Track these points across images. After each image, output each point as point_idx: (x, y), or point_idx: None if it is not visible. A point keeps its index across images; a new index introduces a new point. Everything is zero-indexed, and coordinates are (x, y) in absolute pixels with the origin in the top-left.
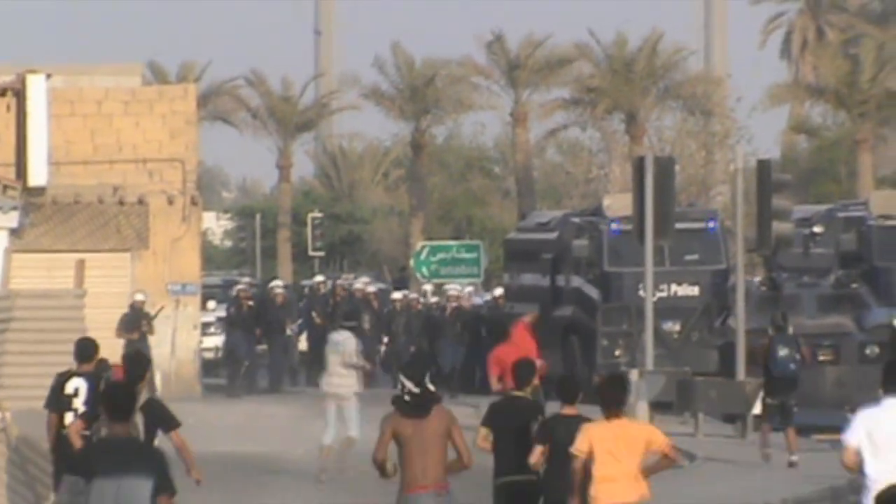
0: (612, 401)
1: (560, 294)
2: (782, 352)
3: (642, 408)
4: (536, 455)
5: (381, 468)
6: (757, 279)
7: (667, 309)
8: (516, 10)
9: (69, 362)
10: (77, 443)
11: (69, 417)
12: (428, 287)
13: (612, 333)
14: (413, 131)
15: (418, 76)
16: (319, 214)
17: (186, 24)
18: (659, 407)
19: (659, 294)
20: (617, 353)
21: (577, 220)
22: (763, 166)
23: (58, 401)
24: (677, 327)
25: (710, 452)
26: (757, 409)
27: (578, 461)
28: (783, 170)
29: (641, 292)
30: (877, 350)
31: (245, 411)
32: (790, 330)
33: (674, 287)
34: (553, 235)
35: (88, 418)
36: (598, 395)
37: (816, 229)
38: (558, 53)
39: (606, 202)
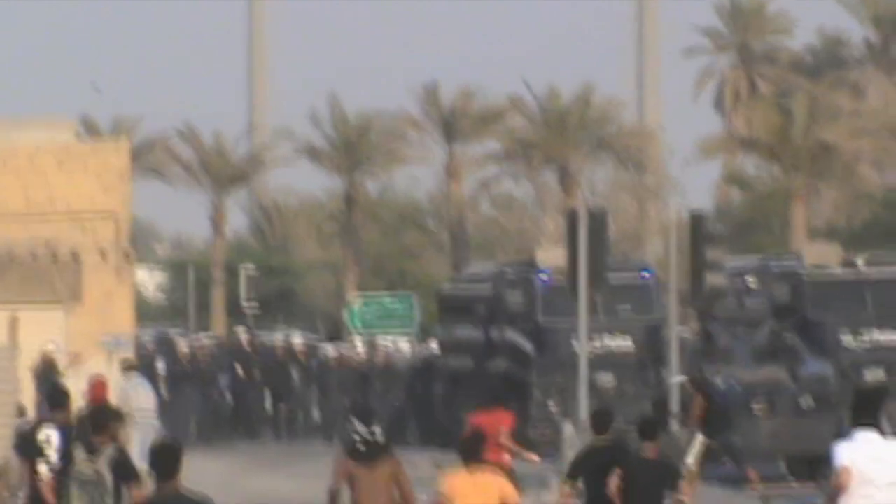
0: (472, 452)
1: (494, 347)
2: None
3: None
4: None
5: (332, 498)
6: (688, 331)
7: (601, 361)
8: (450, 62)
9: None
10: (51, 499)
11: (42, 465)
12: (359, 341)
13: (546, 386)
14: (347, 185)
15: (352, 130)
16: (253, 268)
17: (119, 77)
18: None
19: (593, 346)
20: (551, 406)
21: (510, 272)
22: (696, 219)
23: (29, 448)
24: (611, 379)
25: None
26: (691, 459)
27: None
28: (716, 222)
29: (575, 345)
30: (811, 402)
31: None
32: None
33: (607, 339)
34: (487, 288)
35: (59, 471)
36: (460, 447)
37: (750, 281)
38: (492, 107)
39: (539, 255)
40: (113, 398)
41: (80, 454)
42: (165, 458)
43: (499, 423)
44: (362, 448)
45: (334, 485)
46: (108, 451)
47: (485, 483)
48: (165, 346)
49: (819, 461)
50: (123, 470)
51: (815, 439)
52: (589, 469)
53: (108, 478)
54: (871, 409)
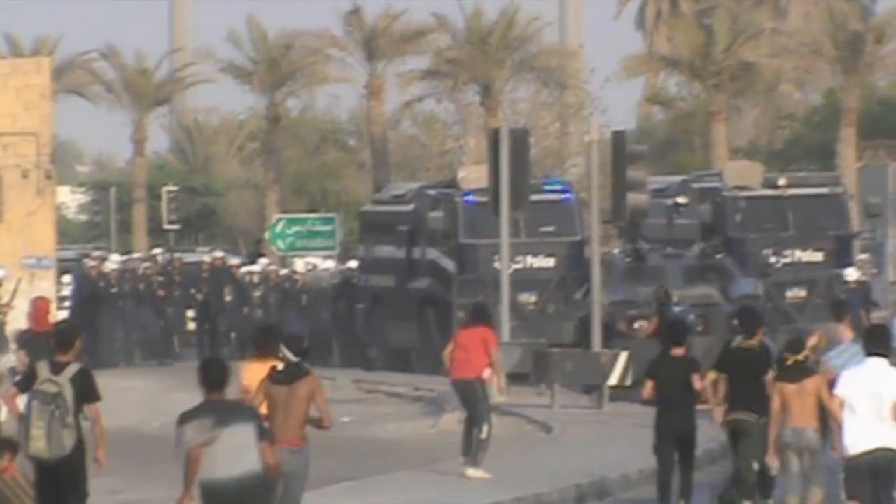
0: (264, 345)
1: (416, 266)
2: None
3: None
4: (648, 390)
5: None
6: (618, 251)
7: (523, 281)
8: None
9: None
10: (16, 410)
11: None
12: (281, 261)
13: (468, 305)
14: (268, 105)
15: (273, 49)
16: (174, 188)
17: None
18: (515, 378)
19: (514, 266)
20: None
21: (432, 192)
22: (618, 138)
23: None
24: (533, 299)
25: (566, 424)
26: (613, 380)
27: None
28: (638, 141)
29: (497, 264)
30: None
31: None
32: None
33: (529, 259)
34: (409, 208)
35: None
36: (254, 342)
37: (680, 200)
38: (416, 25)
39: (461, 174)
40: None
41: (44, 372)
42: (215, 371)
43: (482, 337)
44: (284, 371)
45: (253, 403)
46: (72, 369)
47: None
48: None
49: None
50: (85, 388)
51: None
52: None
53: (70, 396)
54: (882, 339)
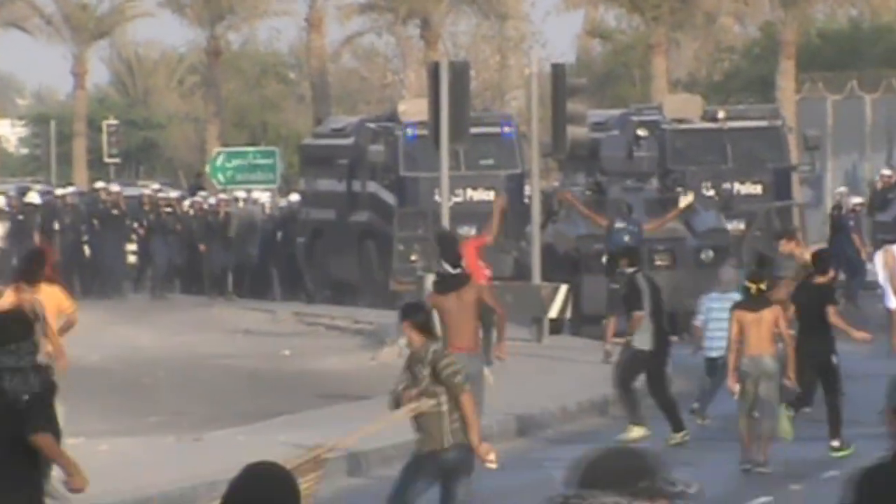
0: (27, 272)
1: (356, 199)
2: (619, 224)
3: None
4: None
5: None
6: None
7: (463, 214)
8: None
9: None
10: None
11: None
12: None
13: (408, 238)
14: (208, 38)
15: None
16: (115, 121)
17: None
18: None
19: (455, 199)
20: (413, 257)
21: (372, 125)
22: (557, 71)
23: None
24: (473, 232)
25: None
26: (553, 313)
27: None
28: (578, 74)
29: (437, 197)
30: (711, 254)
31: None
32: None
33: (469, 192)
34: (349, 141)
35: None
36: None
37: (640, 132)
38: None
39: (401, 107)
40: None
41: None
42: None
43: (478, 243)
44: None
45: None
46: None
47: (47, 296)
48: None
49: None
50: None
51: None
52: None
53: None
54: None
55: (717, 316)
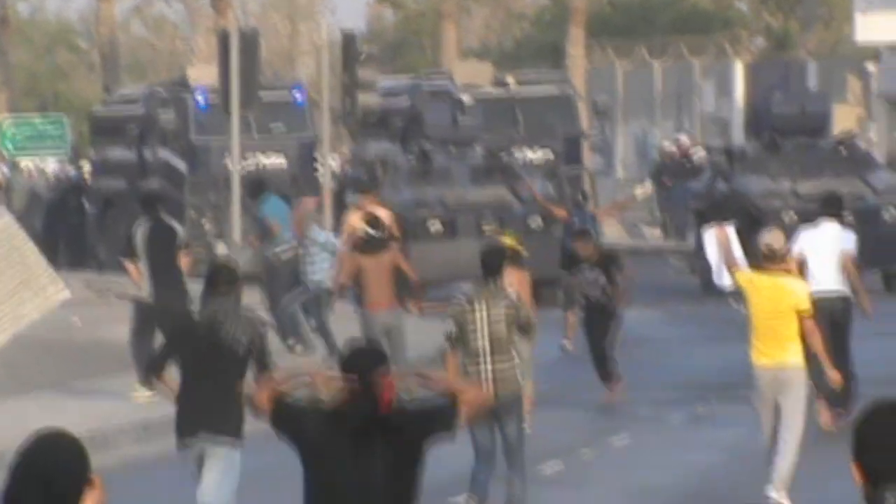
0: None
1: (147, 168)
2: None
3: None
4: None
5: None
6: (402, 156)
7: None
8: None
9: None
10: None
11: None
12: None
13: (200, 205)
14: None
15: None
16: None
17: None
18: (248, 280)
19: (246, 164)
20: (205, 224)
21: (162, 91)
22: (347, 38)
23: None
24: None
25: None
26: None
27: None
28: (369, 42)
29: (228, 163)
30: (540, 222)
31: None
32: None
33: (260, 157)
34: (139, 108)
35: None
36: None
37: (465, 99)
38: None
39: (191, 73)
40: None
41: None
42: (224, 275)
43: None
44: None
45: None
46: None
47: None
48: None
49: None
50: None
51: (539, 260)
52: None
53: None
54: (837, 203)
55: None
